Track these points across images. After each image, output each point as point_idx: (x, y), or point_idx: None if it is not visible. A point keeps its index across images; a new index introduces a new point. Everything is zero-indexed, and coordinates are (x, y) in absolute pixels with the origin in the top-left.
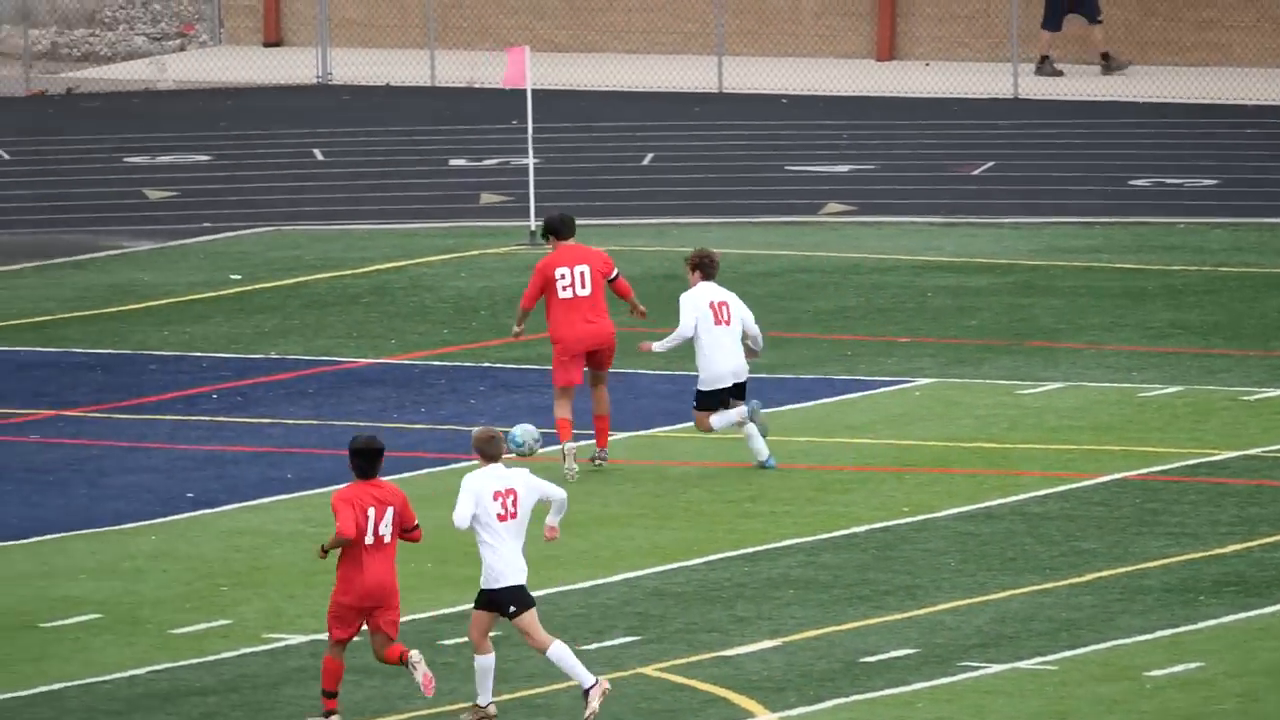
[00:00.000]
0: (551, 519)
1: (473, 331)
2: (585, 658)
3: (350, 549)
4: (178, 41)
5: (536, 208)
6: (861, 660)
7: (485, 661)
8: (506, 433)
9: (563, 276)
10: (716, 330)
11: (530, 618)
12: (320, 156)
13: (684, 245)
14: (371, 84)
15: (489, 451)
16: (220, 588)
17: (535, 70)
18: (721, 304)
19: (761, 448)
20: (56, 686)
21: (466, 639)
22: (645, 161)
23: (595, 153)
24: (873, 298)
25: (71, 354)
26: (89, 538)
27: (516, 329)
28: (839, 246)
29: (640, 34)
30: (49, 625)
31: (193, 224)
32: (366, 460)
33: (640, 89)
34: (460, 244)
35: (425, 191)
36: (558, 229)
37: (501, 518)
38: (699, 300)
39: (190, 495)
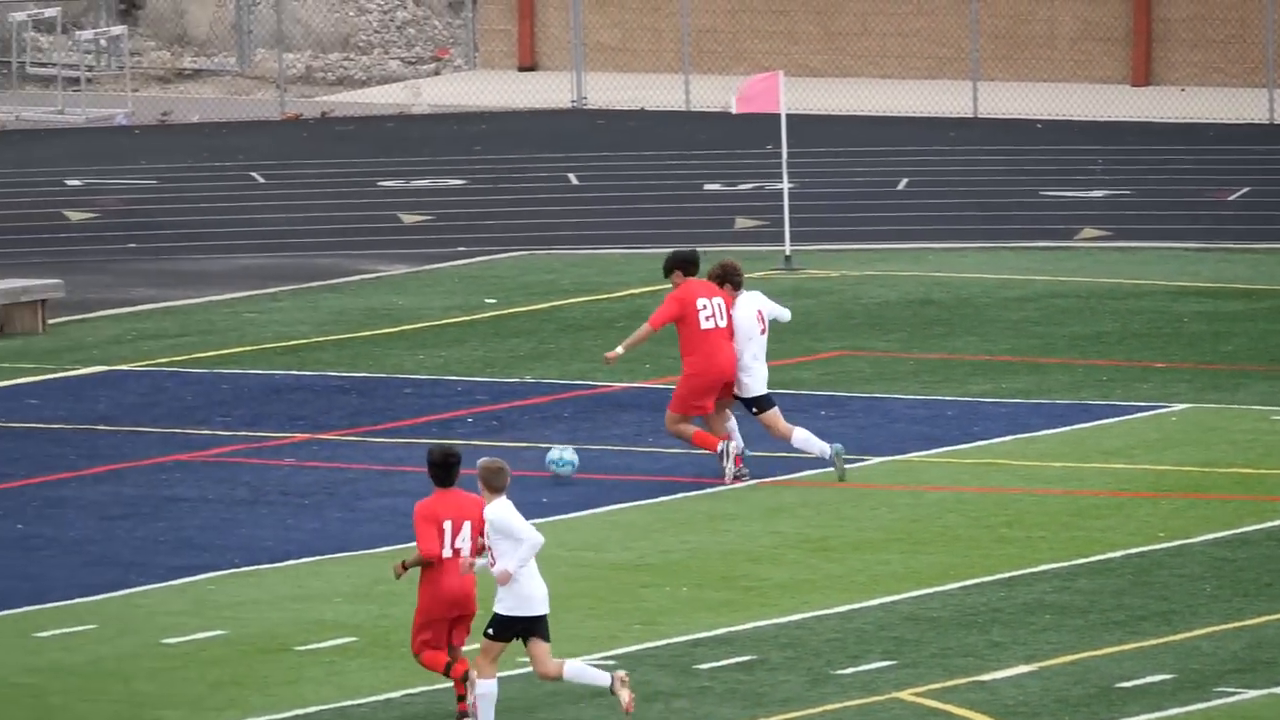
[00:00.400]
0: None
1: None
2: (840, 682)
3: (433, 565)
4: (432, 66)
5: (791, 232)
6: (1117, 685)
7: (487, 687)
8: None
9: (704, 307)
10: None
11: (545, 648)
12: (575, 181)
13: (939, 270)
14: (626, 108)
15: (497, 484)
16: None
17: (789, 96)
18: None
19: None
20: (311, 709)
21: (724, 662)
22: (900, 186)
23: (849, 177)
24: (1128, 323)
25: (326, 377)
26: (344, 561)
27: (620, 351)
28: (1094, 272)
29: (895, 59)
30: (303, 648)
31: (447, 248)
32: (443, 471)
33: (895, 114)
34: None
35: (679, 216)
36: (686, 264)
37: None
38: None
39: None
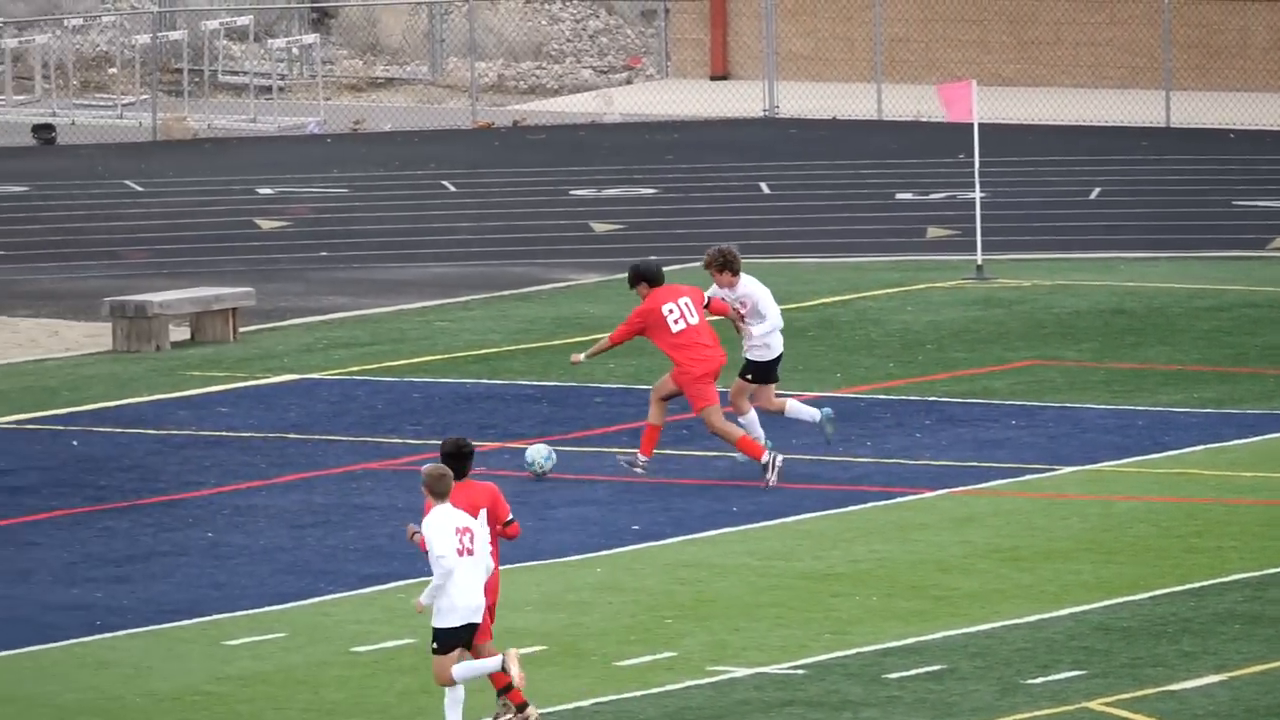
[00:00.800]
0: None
1: (918, 365)
2: (1030, 692)
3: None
4: (624, 75)
5: (983, 242)
6: None
7: (456, 694)
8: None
9: (671, 311)
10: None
11: (456, 657)
12: (766, 190)
13: (1131, 280)
14: (817, 117)
15: (440, 489)
16: (664, 620)
17: (982, 104)
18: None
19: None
20: (502, 718)
21: (913, 672)
22: (1092, 196)
23: (1041, 187)
24: None
25: (517, 386)
26: (534, 570)
27: (582, 357)
28: None
29: (1087, 69)
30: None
31: (639, 257)
32: (456, 463)
33: (1087, 123)
34: (906, 278)
35: (871, 225)
36: (652, 276)
37: (460, 553)
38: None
39: (635, 528)
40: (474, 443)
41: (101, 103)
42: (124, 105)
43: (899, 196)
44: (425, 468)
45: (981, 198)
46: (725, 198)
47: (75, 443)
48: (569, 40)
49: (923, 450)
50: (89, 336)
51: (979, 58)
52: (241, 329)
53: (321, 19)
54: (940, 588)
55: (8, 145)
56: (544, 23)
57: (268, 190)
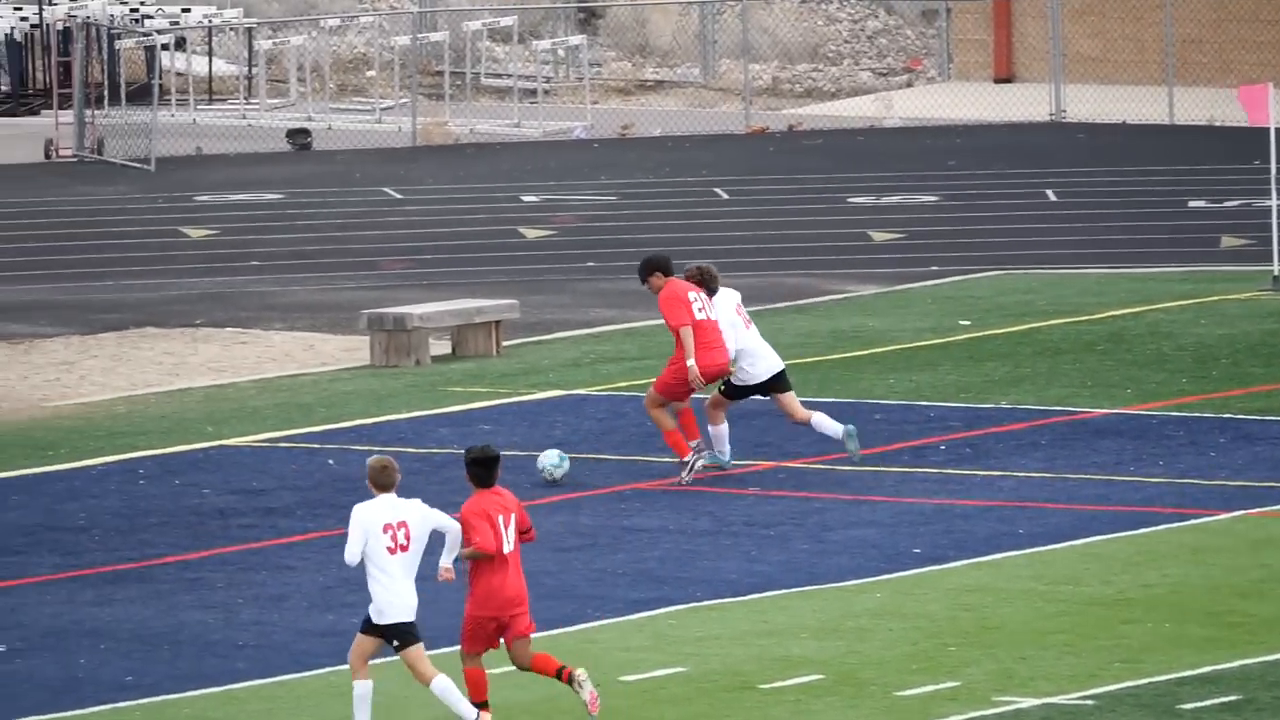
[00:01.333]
0: (445, 559)
1: (1213, 381)
2: None
3: (487, 562)
4: (904, 77)
5: None
6: None
7: (363, 688)
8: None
9: (695, 299)
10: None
11: (415, 653)
12: (1053, 197)
13: None
14: (1106, 121)
15: (381, 481)
16: (947, 648)
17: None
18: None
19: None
20: None
21: (1208, 702)
22: None
23: None
24: None
25: None
26: (811, 595)
27: (693, 364)
28: None
29: None
30: (768, 686)
31: (919, 267)
32: (485, 469)
33: None
34: (1200, 289)
35: (1162, 234)
36: (666, 266)
37: (391, 550)
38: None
39: (916, 551)
40: (746, 462)
41: (359, 106)
42: (382, 109)
43: (1191, 204)
44: (370, 460)
45: (1278, 204)
46: (1009, 205)
47: (332, 461)
48: (846, 41)
49: (1218, 470)
50: (346, 350)
51: (1275, 59)
52: (505, 342)
53: (589, 19)
54: (1236, 614)
55: (262, 151)
56: (820, 23)
57: (532, 197)
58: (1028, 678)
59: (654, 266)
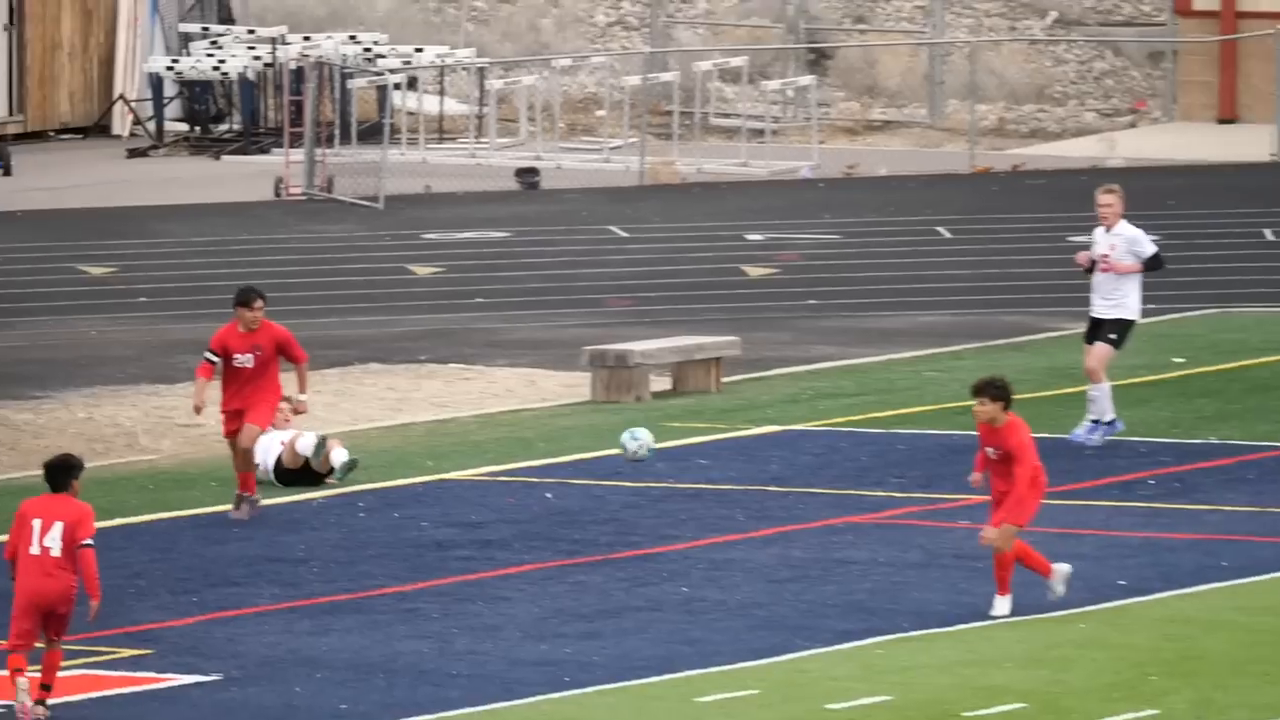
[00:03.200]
0: None
1: None
2: None
3: (21, 559)
4: (1129, 118)
5: None
6: None
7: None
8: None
9: None
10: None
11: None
12: (1270, 236)
13: None
14: None
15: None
16: (1149, 677)
17: None
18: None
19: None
20: None
21: None
22: None
23: None
24: None
25: None
26: (1016, 625)
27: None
28: None
29: None
30: (972, 714)
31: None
32: (50, 474)
33: None
34: None
35: None
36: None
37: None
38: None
39: (1122, 583)
40: (954, 496)
41: (587, 146)
42: (610, 148)
43: None
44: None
45: None
46: (1227, 244)
47: (549, 495)
48: (1073, 82)
49: None
50: (567, 386)
51: None
52: (725, 379)
53: (818, 60)
54: None
55: (491, 189)
56: (1048, 64)
57: (756, 236)
58: (1227, 706)
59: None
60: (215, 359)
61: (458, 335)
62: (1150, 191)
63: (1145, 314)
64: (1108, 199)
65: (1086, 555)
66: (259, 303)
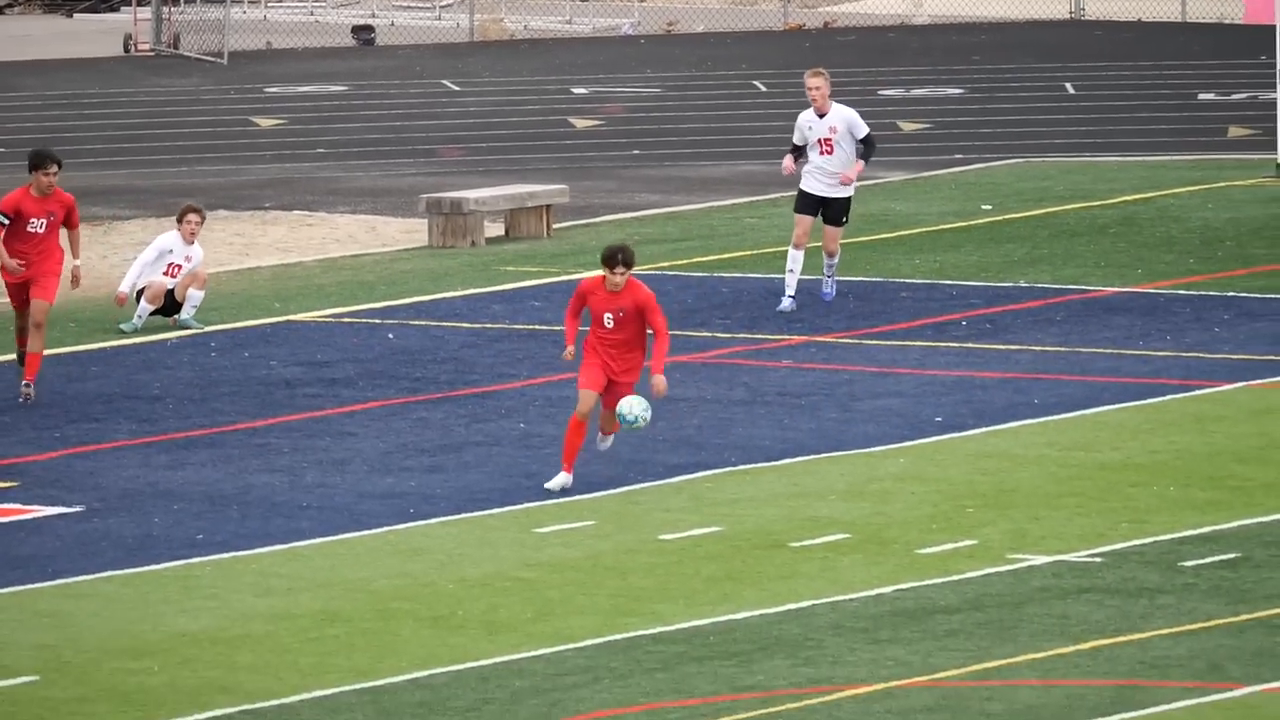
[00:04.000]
0: None
1: (1218, 261)
2: None
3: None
4: None
5: None
6: None
7: None
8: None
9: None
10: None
11: None
12: (1071, 90)
13: None
14: (1123, 19)
15: None
16: (966, 509)
17: None
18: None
19: None
20: (804, 604)
21: (1209, 560)
22: None
23: None
24: None
25: (823, 281)
26: (839, 460)
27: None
28: None
29: None
30: (798, 545)
31: (944, 155)
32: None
33: None
34: (1207, 176)
35: (1173, 125)
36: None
37: None
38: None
39: (938, 419)
40: (780, 336)
41: (420, 4)
42: (442, 7)
43: (1201, 97)
44: None
45: None
46: (1030, 97)
47: (391, 335)
48: None
49: (1221, 344)
50: (405, 233)
51: None
52: (555, 225)
53: None
54: (1236, 478)
55: (328, 45)
56: None
57: (582, 90)
58: (1040, 537)
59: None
60: (5, 220)
61: (300, 184)
62: (955, 48)
63: (954, 164)
64: (816, 81)
65: (904, 393)
66: (54, 168)
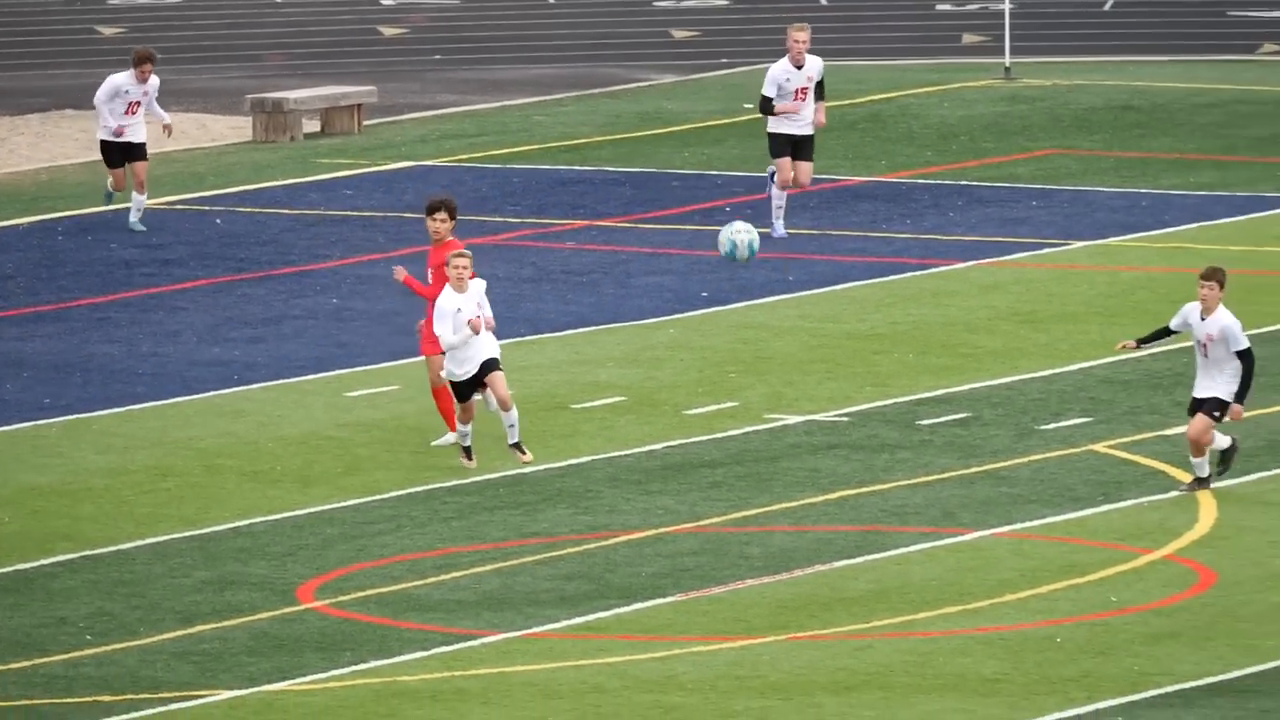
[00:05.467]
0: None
1: (953, 154)
2: (1043, 436)
3: None
4: None
5: (1011, 47)
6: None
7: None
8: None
9: None
10: None
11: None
12: (824, 1)
13: (1140, 80)
14: None
15: None
16: (729, 374)
17: None
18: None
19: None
20: (585, 459)
21: (942, 419)
22: (1107, 7)
23: None
24: None
25: (603, 172)
26: (615, 331)
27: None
28: (1273, 81)
29: None
30: (578, 406)
31: (712, 59)
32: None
33: None
34: (943, 78)
35: (914, 32)
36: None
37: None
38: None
39: (704, 294)
40: (563, 221)
41: None
42: None
43: (939, 7)
44: None
45: (1010, 8)
46: (789, 7)
47: (219, 221)
48: None
49: (955, 227)
50: (232, 129)
51: None
52: (365, 122)
53: None
54: (967, 346)
55: None
56: None
57: (389, 1)
58: (794, 399)
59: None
60: None
61: None
62: None
63: (720, 68)
64: (804, 35)
65: (675, 271)
66: None
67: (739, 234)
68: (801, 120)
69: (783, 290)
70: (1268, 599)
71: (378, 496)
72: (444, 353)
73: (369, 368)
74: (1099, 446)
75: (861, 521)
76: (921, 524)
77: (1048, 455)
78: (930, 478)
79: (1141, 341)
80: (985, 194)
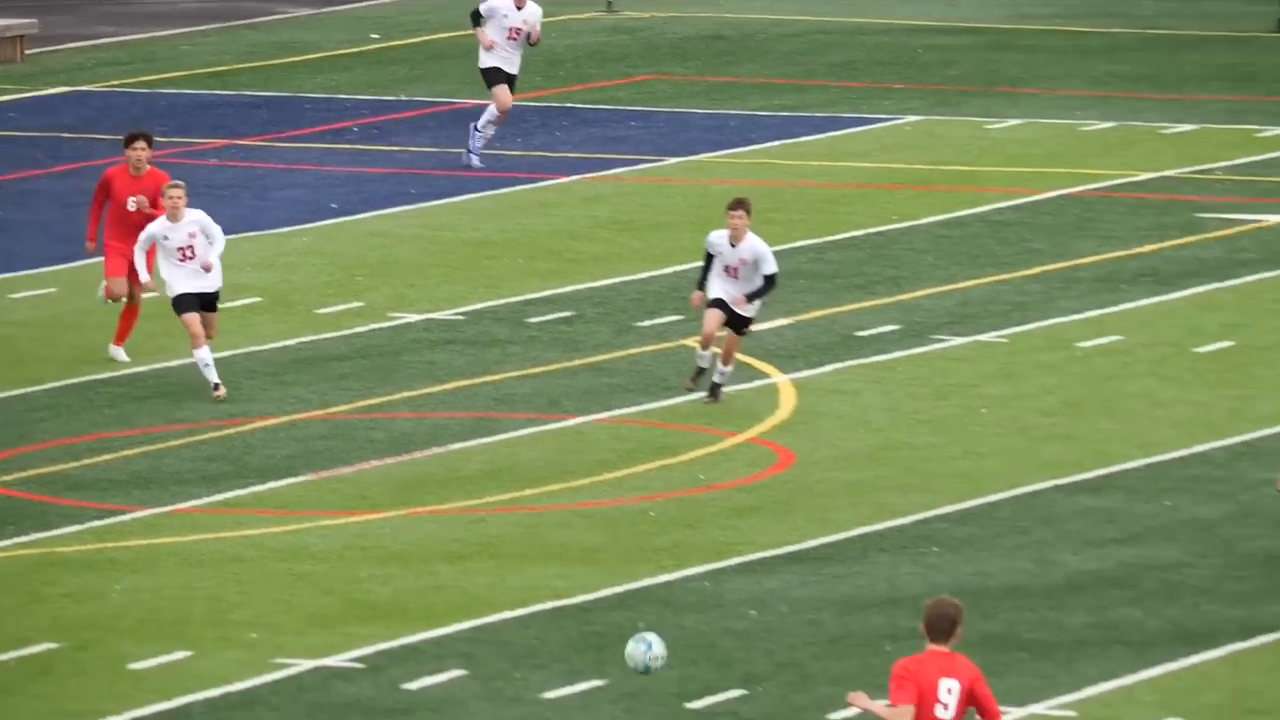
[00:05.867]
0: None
1: (560, 79)
2: (640, 332)
3: None
4: None
5: None
6: (855, 334)
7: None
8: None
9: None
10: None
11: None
12: None
13: (730, 13)
14: None
15: None
16: (356, 277)
17: None
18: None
19: None
20: (224, 354)
21: (549, 317)
22: None
23: None
24: (874, 53)
25: (243, 96)
26: (254, 239)
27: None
28: (848, 13)
29: None
30: (221, 307)
31: None
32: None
33: None
34: (551, 10)
35: None
36: None
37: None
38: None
39: (334, 206)
40: (206, 140)
41: None
42: None
43: None
44: None
45: None
46: None
47: None
48: None
49: (561, 145)
50: None
51: None
52: (27, 51)
53: None
54: (571, 252)
55: None
56: None
57: None
58: (414, 299)
59: None
60: None
61: None
62: None
63: (349, 1)
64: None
65: (305, 185)
66: None
67: (655, 661)
68: (513, 60)
69: (405, 202)
70: (841, 477)
71: (38, 387)
72: (124, 276)
73: (30, 272)
74: (690, 341)
75: (475, 409)
76: (529, 411)
77: (644, 349)
78: (537, 369)
79: (702, 285)
80: (589, 115)
